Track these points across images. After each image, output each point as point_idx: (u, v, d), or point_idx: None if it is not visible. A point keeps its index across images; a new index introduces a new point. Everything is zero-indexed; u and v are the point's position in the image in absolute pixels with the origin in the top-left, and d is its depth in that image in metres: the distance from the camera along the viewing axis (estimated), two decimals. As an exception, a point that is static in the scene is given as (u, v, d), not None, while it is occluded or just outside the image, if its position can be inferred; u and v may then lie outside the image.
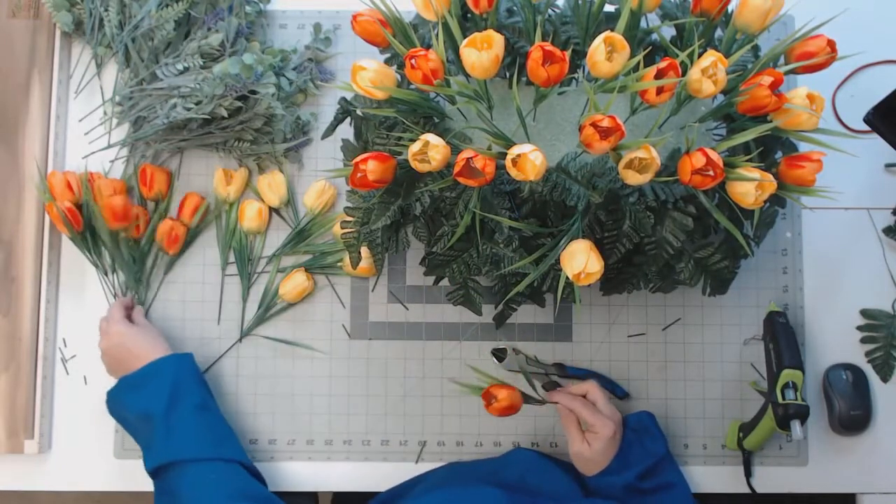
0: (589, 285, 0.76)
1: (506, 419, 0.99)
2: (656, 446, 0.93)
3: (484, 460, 0.99)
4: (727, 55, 0.79)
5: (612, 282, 0.90)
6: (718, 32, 0.85)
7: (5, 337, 0.99)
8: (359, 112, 0.89)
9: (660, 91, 0.72)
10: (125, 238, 1.01)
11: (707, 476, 0.99)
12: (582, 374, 1.00)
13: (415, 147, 0.74)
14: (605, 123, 0.70)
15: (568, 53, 0.72)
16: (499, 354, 1.01)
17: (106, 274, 1.02)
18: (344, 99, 0.90)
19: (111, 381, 1.01)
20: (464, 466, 0.98)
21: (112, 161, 1.04)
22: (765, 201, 0.74)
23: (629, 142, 0.72)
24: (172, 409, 0.89)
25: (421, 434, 1.00)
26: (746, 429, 0.96)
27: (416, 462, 1.00)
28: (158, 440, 0.88)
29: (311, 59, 1.04)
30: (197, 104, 0.97)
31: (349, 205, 0.88)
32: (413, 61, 0.74)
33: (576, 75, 0.85)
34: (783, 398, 0.91)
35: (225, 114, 0.98)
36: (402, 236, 0.87)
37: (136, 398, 0.91)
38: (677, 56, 0.75)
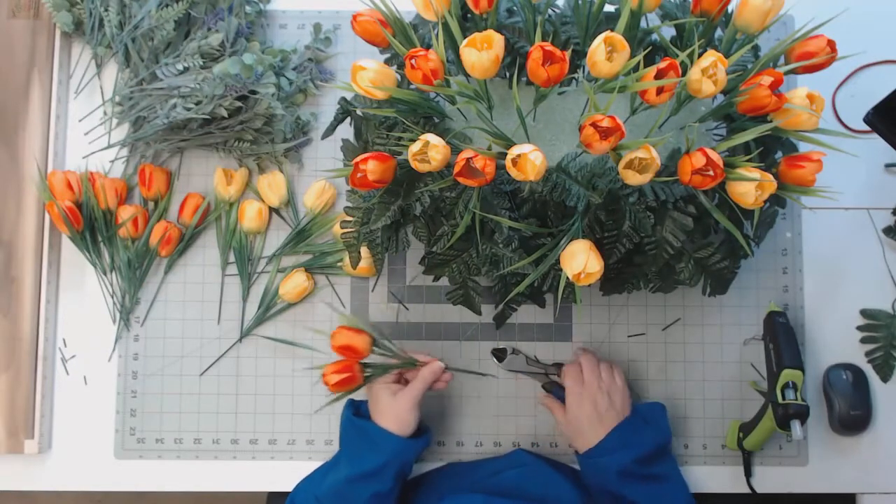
0: (589, 285, 0.76)
1: (506, 420, 1.00)
2: (660, 437, 0.92)
3: (484, 461, 0.99)
4: (727, 55, 0.79)
5: (612, 282, 0.90)
6: (718, 32, 0.85)
7: (5, 337, 0.99)
8: (359, 112, 0.89)
9: (660, 91, 0.72)
10: (123, 238, 1.01)
11: (707, 476, 0.99)
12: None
13: (415, 147, 0.74)
14: (605, 123, 0.70)
15: (568, 53, 0.72)
16: (499, 354, 1.01)
17: (105, 274, 1.02)
18: (344, 99, 0.90)
19: (111, 382, 1.01)
20: (463, 467, 0.98)
21: (112, 161, 1.04)
22: (765, 201, 0.74)
23: (629, 142, 0.72)
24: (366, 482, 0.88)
25: (421, 434, 1.00)
26: (746, 429, 0.96)
27: (417, 462, 1.00)
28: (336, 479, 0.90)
29: (311, 59, 1.04)
30: (197, 104, 0.97)
31: (349, 205, 0.88)
32: (413, 61, 0.74)
33: (576, 75, 0.85)
34: (783, 398, 0.91)
35: (225, 114, 0.98)
36: (402, 236, 0.87)
37: (362, 447, 0.91)
38: (677, 56, 0.75)
